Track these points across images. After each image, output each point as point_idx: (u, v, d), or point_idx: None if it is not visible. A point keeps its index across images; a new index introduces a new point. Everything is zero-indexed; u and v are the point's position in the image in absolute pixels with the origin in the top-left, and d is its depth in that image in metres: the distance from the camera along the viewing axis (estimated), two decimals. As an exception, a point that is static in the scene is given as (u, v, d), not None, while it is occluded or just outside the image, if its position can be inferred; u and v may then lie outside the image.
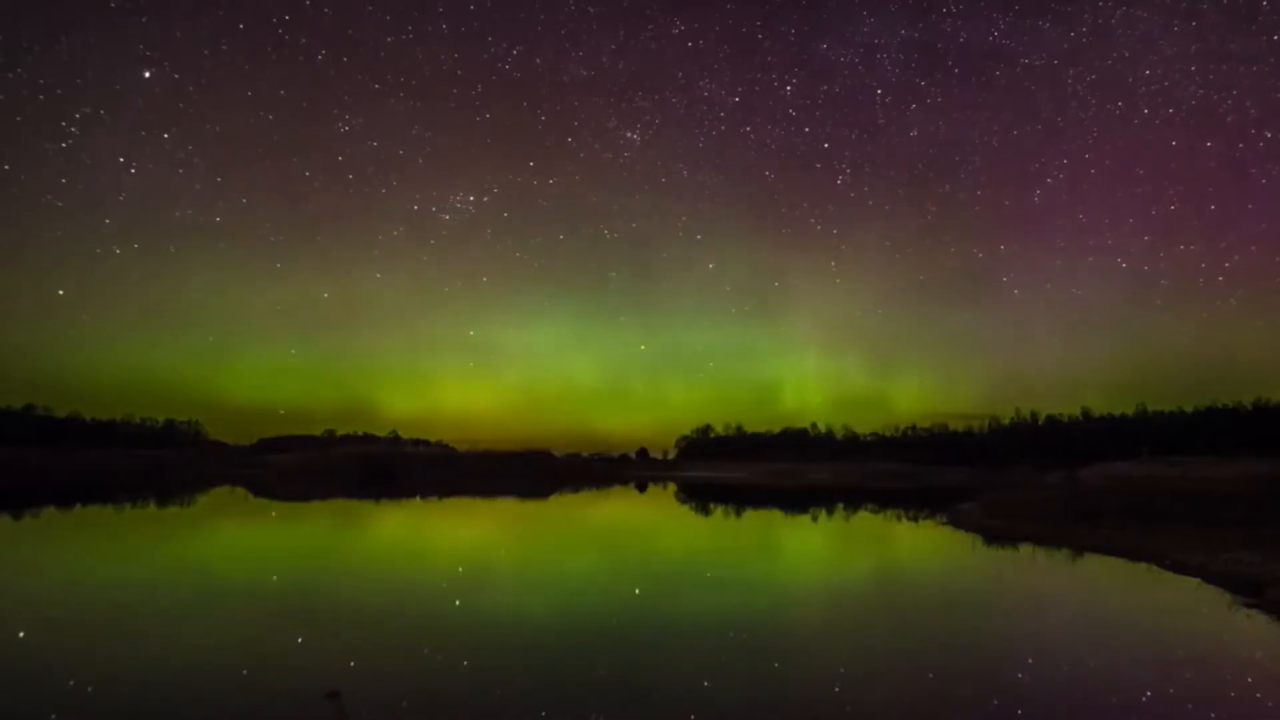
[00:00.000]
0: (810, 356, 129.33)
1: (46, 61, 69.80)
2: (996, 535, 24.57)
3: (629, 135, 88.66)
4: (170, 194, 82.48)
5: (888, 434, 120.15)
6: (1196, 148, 77.50)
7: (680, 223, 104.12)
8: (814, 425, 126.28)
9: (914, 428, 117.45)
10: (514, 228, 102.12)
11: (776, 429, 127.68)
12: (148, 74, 69.65)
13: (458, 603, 13.36)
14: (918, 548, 24.00)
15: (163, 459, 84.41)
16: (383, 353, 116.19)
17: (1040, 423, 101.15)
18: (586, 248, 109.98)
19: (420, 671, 8.79)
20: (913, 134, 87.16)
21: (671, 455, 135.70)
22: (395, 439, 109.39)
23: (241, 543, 22.98)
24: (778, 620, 12.42)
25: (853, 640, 10.94)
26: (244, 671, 8.57)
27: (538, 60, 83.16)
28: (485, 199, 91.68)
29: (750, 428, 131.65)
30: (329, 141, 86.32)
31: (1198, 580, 15.69)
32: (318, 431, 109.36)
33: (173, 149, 76.56)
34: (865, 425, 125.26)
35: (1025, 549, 21.75)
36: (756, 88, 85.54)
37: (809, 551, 23.26)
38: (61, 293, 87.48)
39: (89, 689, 7.92)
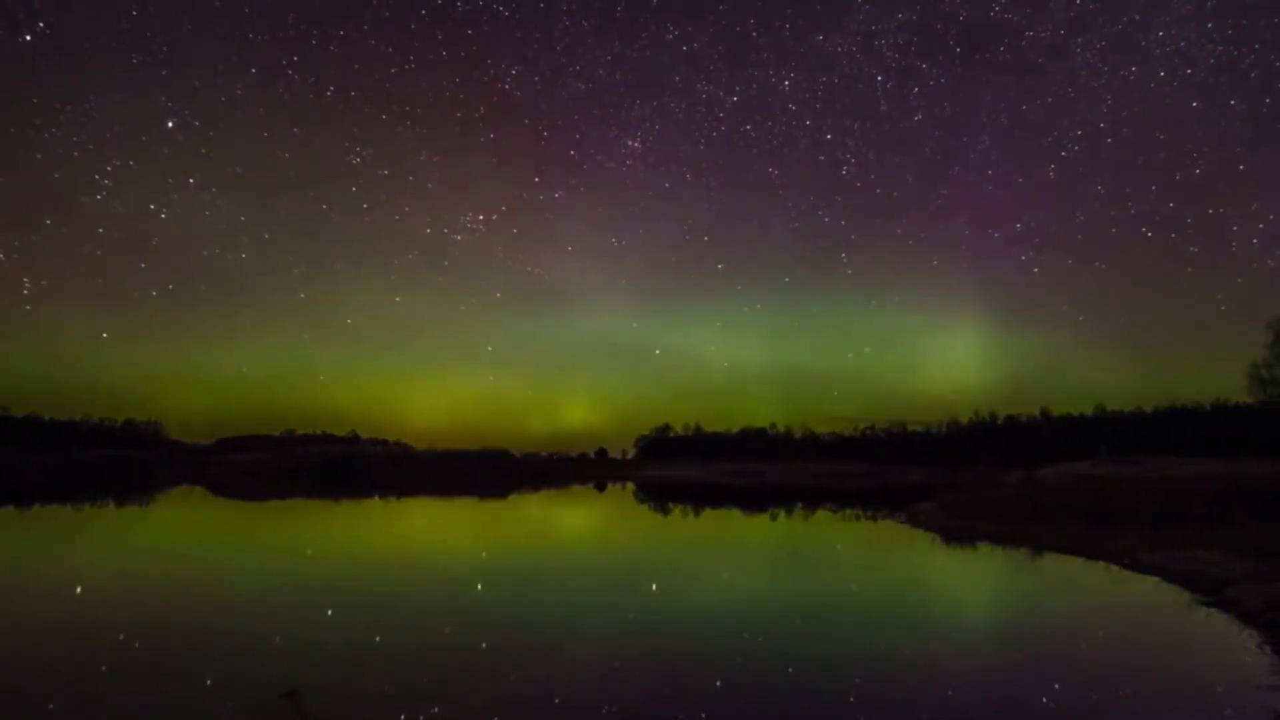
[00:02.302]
0: (824, 351, 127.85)
1: (78, 120, 75.36)
2: (955, 534, 24.14)
3: (630, 143, 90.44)
4: (198, 235, 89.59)
5: (846, 434, 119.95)
6: (1220, 107, 74.68)
7: (686, 225, 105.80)
8: (772, 425, 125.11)
9: (872, 427, 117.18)
10: (524, 243, 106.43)
11: (735, 428, 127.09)
12: (170, 124, 75.17)
13: (412, 604, 13.08)
14: (875, 547, 23.53)
15: (122, 459, 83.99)
16: (403, 372, 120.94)
17: (999, 422, 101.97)
18: (596, 257, 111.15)
19: (377, 670, 8.61)
20: (917, 118, 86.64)
21: (631, 454, 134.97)
22: (354, 438, 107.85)
23: (197, 542, 22.73)
24: (716, 626, 11.54)
25: (811, 644, 10.17)
26: (199, 671, 8.46)
27: (536, 78, 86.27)
28: (494, 217, 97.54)
29: (711, 427, 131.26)
30: (342, 174, 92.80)
31: (1157, 579, 15.48)
32: (277, 432, 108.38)
33: (197, 192, 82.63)
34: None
35: (984, 548, 21.38)
36: (754, 85, 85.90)
37: (766, 550, 22.53)
38: (105, 335, 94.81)
39: (41, 687, 7.90)
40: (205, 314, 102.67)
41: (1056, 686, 8.35)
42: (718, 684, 8.27)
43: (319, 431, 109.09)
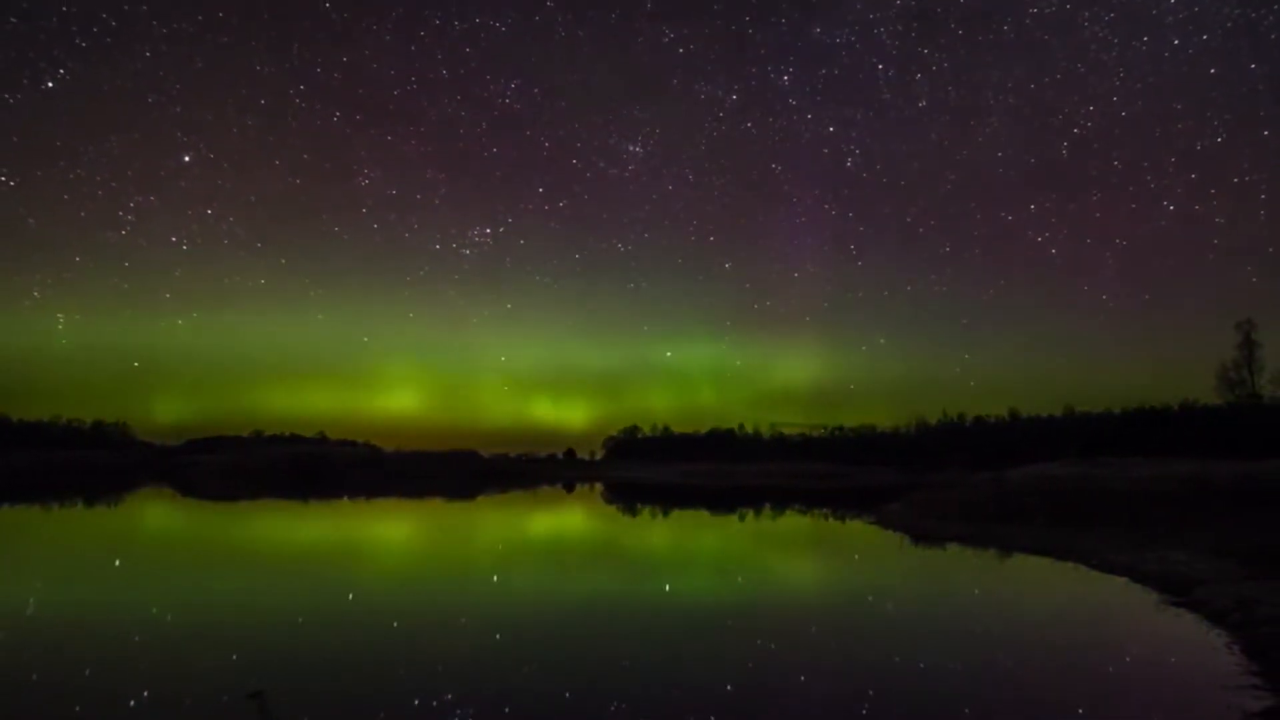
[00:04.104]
0: (837, 346, 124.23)
1: (100, 159, 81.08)
2: (924, 535, 23.92)
3: (631, 148, 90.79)
4: (218, 264, 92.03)
5: (814, 434, 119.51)
6: (1239, 72, 70.94)
7: (691, 226, 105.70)
8: (740, 426, 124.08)
9: (840, 428, 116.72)
10: (531, 253, 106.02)
11: (704, 429, 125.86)
12: (187, 158, 78.09)
13: (376, 606, 12.85)
14: (844, 549, 23.23)
15: (91, 460, 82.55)
16: (418, 382, 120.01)
17: (968, 424, 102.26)
18: (603, 262, 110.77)
19: (341, 672, 8.52)
20: (921, 105, 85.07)
21: (599, 455, 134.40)
22: (323, 439, 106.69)
23: (163, 543, 22.77)
24: (696, 631, 11.00)
25: (790, 647, 9.82)
26: (165, 673, 8.38)
27: (535, 90, 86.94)
28: (501, 229, 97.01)
29: (679, 428, 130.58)
30: (352, 195, 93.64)
31: (1125, 579, 15.42)
32: (245, 432, 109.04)
33: (215, 222, 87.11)
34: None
35: (953, 549, 21.15)
36: (753, 83, 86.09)
37: (738, 554, 22.09)
38: (136, 364, 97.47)
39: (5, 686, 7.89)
40: (225, 339, 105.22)
41: (1023, 687, 8.21)
42: (698, 688, 7.88)
43: (287, 433, 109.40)
